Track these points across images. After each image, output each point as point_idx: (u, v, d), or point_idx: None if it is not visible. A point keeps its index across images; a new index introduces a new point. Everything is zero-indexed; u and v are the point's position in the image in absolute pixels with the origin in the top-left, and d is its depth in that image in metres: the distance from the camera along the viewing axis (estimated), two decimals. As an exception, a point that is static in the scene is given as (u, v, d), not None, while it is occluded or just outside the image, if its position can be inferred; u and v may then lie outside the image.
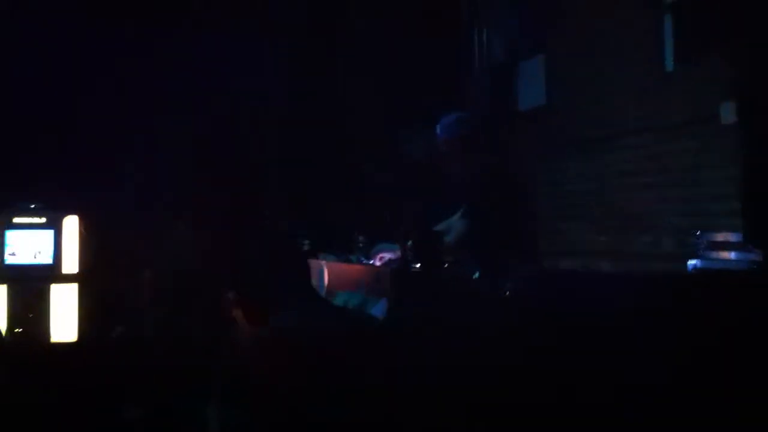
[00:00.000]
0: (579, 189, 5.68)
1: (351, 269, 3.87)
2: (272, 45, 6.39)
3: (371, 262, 4.00)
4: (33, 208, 4.58)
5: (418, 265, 3.49)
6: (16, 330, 4.30)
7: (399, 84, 6.38)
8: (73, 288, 4.43)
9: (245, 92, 6.05)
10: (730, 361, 2.32)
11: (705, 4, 4.54)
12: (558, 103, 5.91)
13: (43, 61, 5.56)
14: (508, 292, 3.09)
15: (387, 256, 3.98)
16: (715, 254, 2.99)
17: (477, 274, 3.39)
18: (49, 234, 4.51)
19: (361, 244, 4.26)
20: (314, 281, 3.67)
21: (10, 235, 4.48)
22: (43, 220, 4.53)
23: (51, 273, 4.48)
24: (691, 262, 2.96)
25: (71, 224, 4.56)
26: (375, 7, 6.60)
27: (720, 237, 3.12)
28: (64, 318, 4.35)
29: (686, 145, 4.73)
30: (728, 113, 4.29)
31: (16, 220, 4.50)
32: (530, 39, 6.22)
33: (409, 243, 3.59)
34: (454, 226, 3.90)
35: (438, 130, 3.93)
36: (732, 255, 2.97)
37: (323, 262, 4.02)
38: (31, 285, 4.43)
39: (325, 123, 6.55)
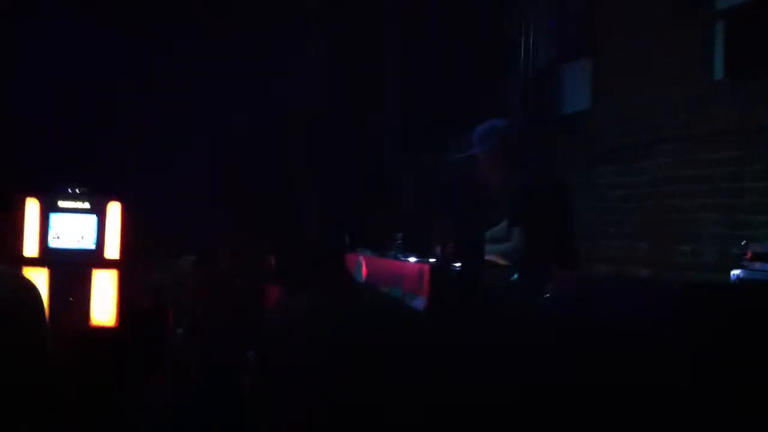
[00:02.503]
0: (619, 195, 5.63)
1: (389, 265, 3.88)
2: (307, 48, 6.43)
3: (409, 258, 4.01)
4: (77, 192, 4.64)
5: (458, 265, 3.49)
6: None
7: (440, 88, 6.39)
8: (113, 274, 4.49)
9: (284, 94, 6.09)
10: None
11: (757, 12, 4.48)
12: (601, 109, 5.87)
13: (90, 47, 5.63)
14: (547, 295, 3.09)
15: (424, 254, 3.99)
16: (759, 265, 2.96)
17: (515, 276, 3.39)
18: (93, 219, 4.57)
19: (399, 241, 4.28)
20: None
21: (55, 219, 4.55)
22: (87, 205, 4.59)
23: (93, 258, 4.53)
24: (735, 273, 2.93)
25: (114, 210, 4.62)
26: (413, 14, 6.61)
27: (762, 248, 3.09)
28: (104, 303, 4.42)
29: (731, 155, 4.68)
30: (775, 123, 4.25)
31: (61, 204, 4.57)
32: (574, 43, 6.19)
33: (449, 244, 3.60)
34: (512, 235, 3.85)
35: (473, 139, 3.90)
36: (777, 267, 2.93)
37: (361, 257, 4.04)
38: (74, 269, 4.48)
39: (363, 126, 6.58)
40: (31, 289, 1.88)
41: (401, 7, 6.65)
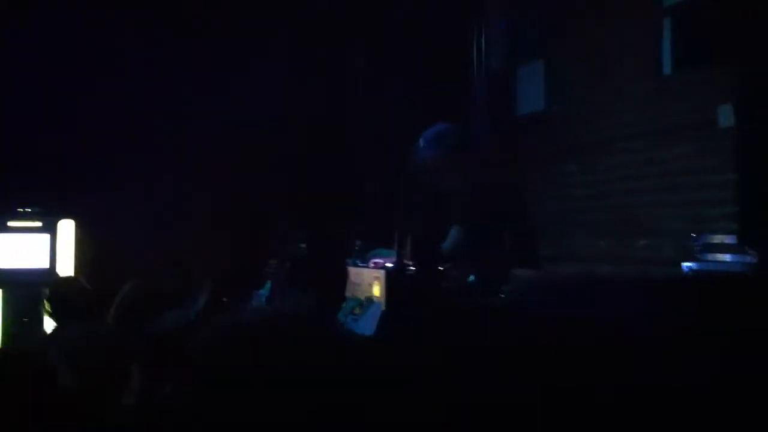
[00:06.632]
0: (578, 194, 5.67)
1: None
2: (281, 55, 6.40)
3: (367, 265, 3.99)
4: (28, 211, 4.57)
5: (414, 268, 3.48)
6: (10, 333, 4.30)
7: (397, 91, 6.39)
8: (68, 292, 4.41)
9: (248, 98, 6.04)
10: (727, 364, 2.29)
11: (704, 8, 4.53)
12: (557, 108, 5.90)
13: (43, 60, 5.55)
14: (504, 296, 3.08)
15: (381, 261, 3.97)
16: (711, 256, 2.98)
17: (472, 278, 3.39)
18: (45, 238, 4.51)
19: (357, 248, 4.26)
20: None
21: (5, 239, 4.47)
22: (39, 224, 4.52)
23: (46, 277, 4.46)
24: (687, 265, 2.94)
25: (67, 228, 4.56)
26: (371, 19, 6.61)
27: (716, 239, 3.11)
28: (58, 322, 4.35)
29: (684, 150, 4.72)
30: (726, 117, 4.28)
31: (11, 223, 4.49)
32: (529, 44, 6.22)
33: (406, 246, 3.59)
34: (450, 234, 3.89)
35: (421, 144, 3.87)
36: (728, 257, 2.96)
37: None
38: (26, 289, 4.41)
39: (322, 129, 6.56)
40: None
41: (359, 12, 6.65)
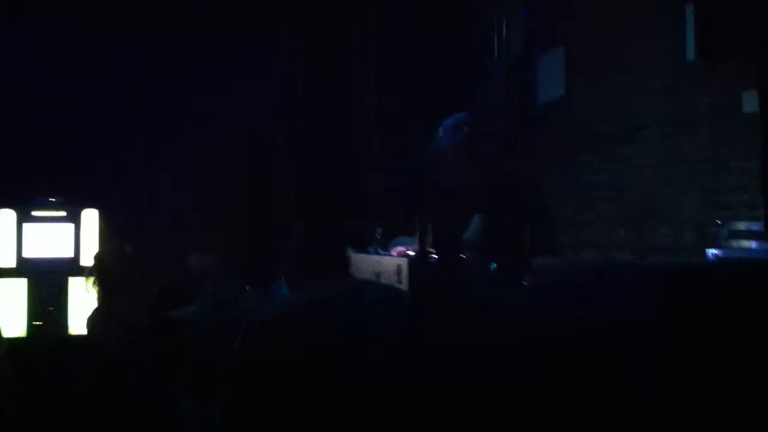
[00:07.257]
0: (599, 182, 5.64)
1: (369, 261, 3.88)
2: (283, 52, 6.42)
3: (389, 254, 3.99)
4: (53, 201, 4.62)
5: (436, 256, 3.49)
6: (35, 323, 4.34)
7: (416, 83, 6.38)
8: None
9: (261, 97, 6.07)
10: (751, 352, 2.28)
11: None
12: (577, 96, 5.87)
13: (64, 53, 5.60)
14: (526, 283, 3.07)
15: (404, 249, 3.98)
16: (735, 243, 2.97)
17: (494, 266, 3.39)
18: (69, 227, 4.55)
19: (379, 236, 4.27)
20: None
21: (30, 229, 4.51)
22: (63, 213, 4.57)
23: (70, 266, 4.51)
24: (711, 252, 2.92)
25: (90, 218, 4.59)
26: (384, 5, 6.59)
27: (741, 226, 3.09)
28: (82, 311, 4.38)
29: (707, 137, 4.68)
30: (751, 102, 4.24)
31: (36, 213, 4.54)
32: (549, 31, 6.18)
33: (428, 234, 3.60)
34: (472, 222, 3.89)
35: (440, 133, 3.89)
36: (753, 244, 2.94)
37: (340, 254, 4.03)
38: (51, 278, 4.46)
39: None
40: None
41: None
